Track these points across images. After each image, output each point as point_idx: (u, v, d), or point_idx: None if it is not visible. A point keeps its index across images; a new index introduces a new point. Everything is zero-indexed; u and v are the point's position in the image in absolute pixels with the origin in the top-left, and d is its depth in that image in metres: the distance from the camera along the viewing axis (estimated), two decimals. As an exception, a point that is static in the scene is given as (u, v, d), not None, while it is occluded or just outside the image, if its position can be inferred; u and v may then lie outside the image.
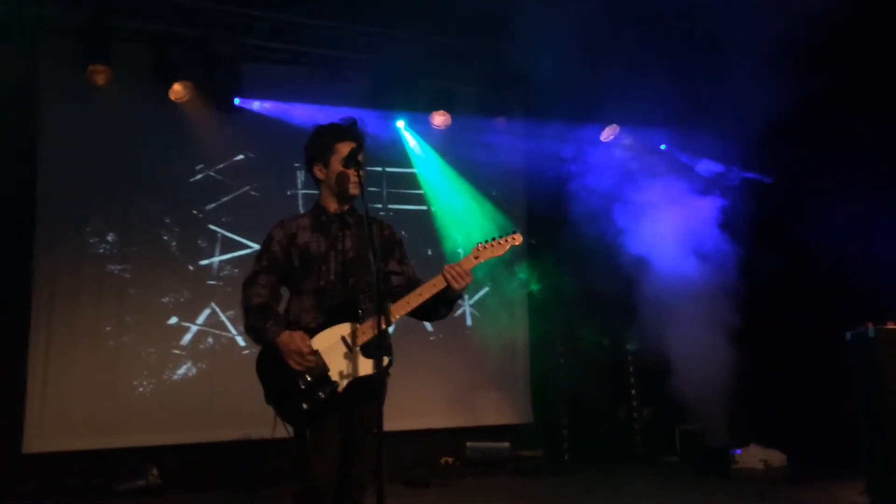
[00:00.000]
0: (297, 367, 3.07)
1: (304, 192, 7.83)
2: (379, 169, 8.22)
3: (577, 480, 7.17)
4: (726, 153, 8.54)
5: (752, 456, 7.66)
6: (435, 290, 3.14)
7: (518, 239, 3.24)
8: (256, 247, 7.37)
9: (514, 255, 8.29)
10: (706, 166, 8.84)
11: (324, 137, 3.35)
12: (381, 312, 2.86)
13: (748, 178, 8.61)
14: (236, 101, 7.54)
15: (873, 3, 6.24)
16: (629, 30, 6.54)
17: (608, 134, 8.67)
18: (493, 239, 3.22)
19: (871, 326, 3.22)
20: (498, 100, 8.30)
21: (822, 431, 6.95)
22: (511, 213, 8.58)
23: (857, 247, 7.03)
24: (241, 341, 7.40)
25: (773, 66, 6.41)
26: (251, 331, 3.21)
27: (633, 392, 8.51)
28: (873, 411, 3.24)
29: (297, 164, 7.72)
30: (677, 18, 6.25)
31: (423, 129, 8.31)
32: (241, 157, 7.71)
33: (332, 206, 3.35)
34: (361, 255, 3.26)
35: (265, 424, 3.17)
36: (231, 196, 7.62)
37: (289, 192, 7.84)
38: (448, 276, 3.13)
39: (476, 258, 3.19)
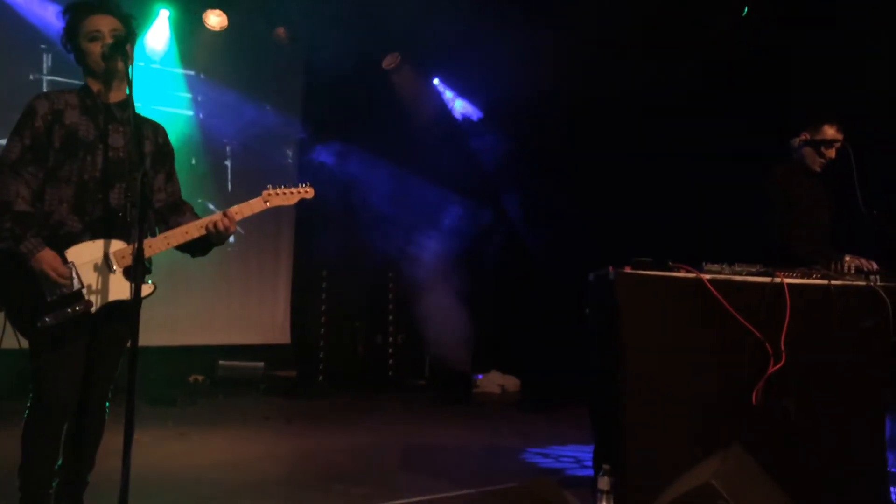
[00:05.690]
0: (54, 277, 2.73)
1: (50, 77, 6.96)
2: (142, 64, 7.50)
3: (328, 401, 7.33)
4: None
5: (491, 381, 8.33)
6: (199, 234, 3.05)
7: (310, 193, 3.22)
8: (-11, 136, 6.48)
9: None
10: (463, 108, 9.17)
11: (67, 18, 3.01)
12: (141, 233, 2.62)
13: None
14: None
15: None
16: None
17: (389, 62, 8.64)
18: (285, 187, 3.16)
19: (611, 269, 3.57)
20: (281, 7, 7.87)
21: (554, 362, 7.69)
22: (285, 127, 8.30)
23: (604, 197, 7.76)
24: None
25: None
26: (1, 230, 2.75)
27: (391, 318, 8.80)
28: (604, 345, 3.64)
29: (43, 46, 6.82)
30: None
31: (195, 28, 7.70)
32: (-30, 32, 6.64)
33: (96, 87, 3.01)
34: (132, 160, 2.94)
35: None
36: (-42, 78, 6.56)
37: (31, 77, 6.94)
38: (211, 229, 3.01)
39: (266, 202, 3.12)
